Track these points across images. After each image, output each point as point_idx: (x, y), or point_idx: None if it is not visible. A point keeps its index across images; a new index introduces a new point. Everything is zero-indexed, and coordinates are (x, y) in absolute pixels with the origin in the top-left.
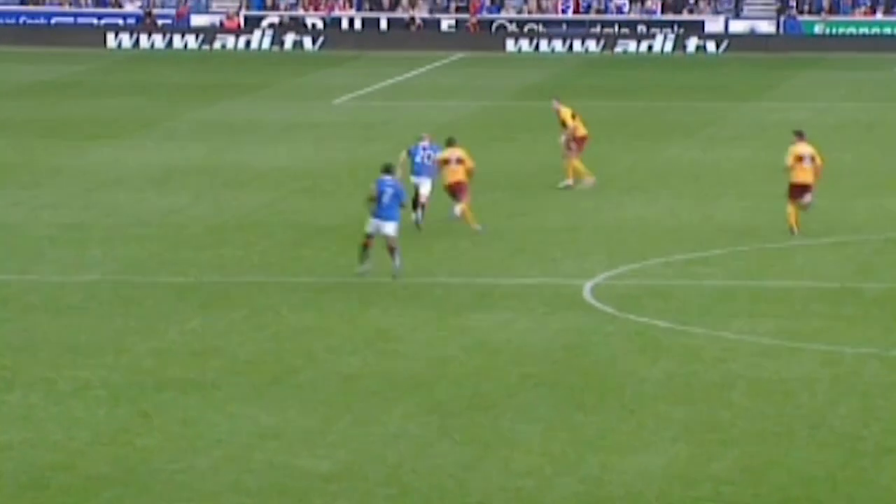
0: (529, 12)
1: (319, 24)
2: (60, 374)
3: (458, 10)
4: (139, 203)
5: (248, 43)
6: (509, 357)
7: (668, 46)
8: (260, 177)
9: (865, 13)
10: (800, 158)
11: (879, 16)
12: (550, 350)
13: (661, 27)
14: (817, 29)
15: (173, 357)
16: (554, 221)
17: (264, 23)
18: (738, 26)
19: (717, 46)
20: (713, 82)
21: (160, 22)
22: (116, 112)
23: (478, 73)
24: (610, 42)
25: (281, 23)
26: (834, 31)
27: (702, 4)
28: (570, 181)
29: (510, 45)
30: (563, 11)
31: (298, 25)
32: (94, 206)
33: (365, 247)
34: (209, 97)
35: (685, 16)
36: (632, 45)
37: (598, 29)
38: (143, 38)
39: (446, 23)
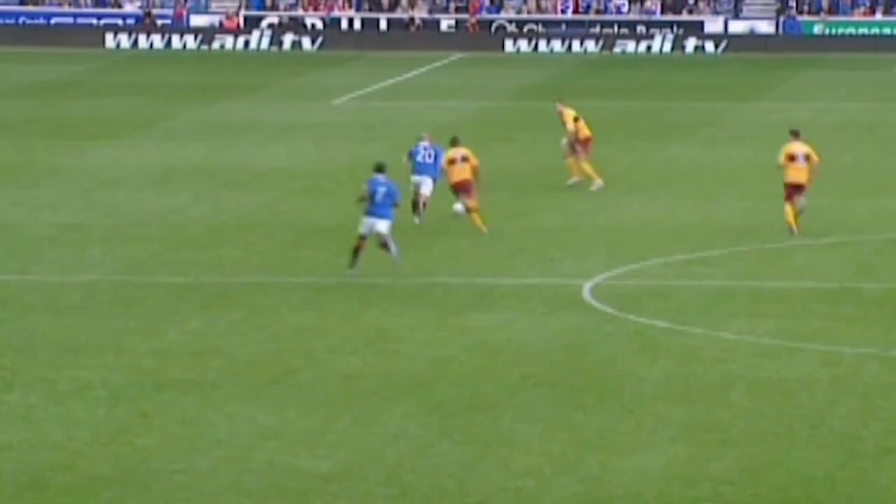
0: (529, 12)
1: (319, 25)
2: (60, 375)
3: (457, 10)
4: (138, 203)
5: (246, 43)
6: (509, 357)
7: (667, 47)
8: (259, 177)
9: (865, 13)
10: (792, 158)
11: (879, 16)
12: (550, 350)
13: (661, 27)
14: (817, 29)
15: (173, 357)
16: (553, 221)
17: (264, 23)
18: (737, 26)
19: (716, 47)
20: (713, 82)
21: (160, 22)
22: (116, 112)
23: (477, 74)
24: (609, 42)
25: (280, 23)
26: (833, 31)
27: (701, 5)
28: (576, 178)
29: (509, 45)
30: (563, 12)
31: (298, 26)
32: (94, 207)
33: (357, 249)
34: (208, 97)
35: (684, 16)
36: (630, 46)
37: (597, 29)
38: (142, 38)
39: (446, 23)
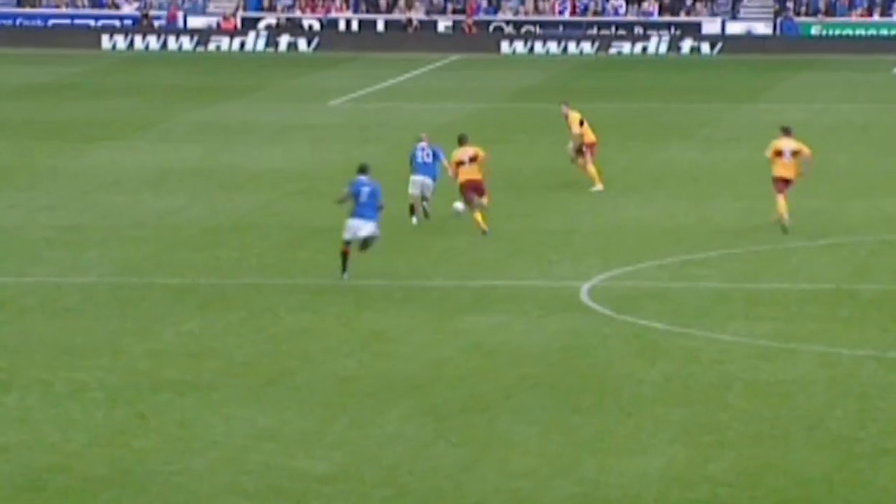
0: (526, 14)
1: (316, 26)
2: (57, 376)
3: (455, 11)
4: (135, 205)
5: (242, 44)
6: (506, 359)
7: (663, 48)
8: (255, 178)
9: (862, 15)
10: (779, 153)
11: (876, 17)
12: (547, 352)
13: (658, 29)
14: (814, 30)
15: (170, 359)
16: (551, 223)
17: (261, 24)
18: (734, 28)
19: (713, 48)
20: (709, 84)
21: (156, 24)
22: (112, 114)
23: (474, 75)
24: (605, 44)
25: (277, 24)
26: (830, 32)
27: (698, 6)
28: (600, 185)
29: (505, 46)
30: (560, 13)
31: (295, 27)
32: (91, 208)
33: (344, 254)
34: (205, 99)
35: (682, 17)
36: (626, 47)
37: (594, 31)
38: (138, 39)
39: (443, 24)
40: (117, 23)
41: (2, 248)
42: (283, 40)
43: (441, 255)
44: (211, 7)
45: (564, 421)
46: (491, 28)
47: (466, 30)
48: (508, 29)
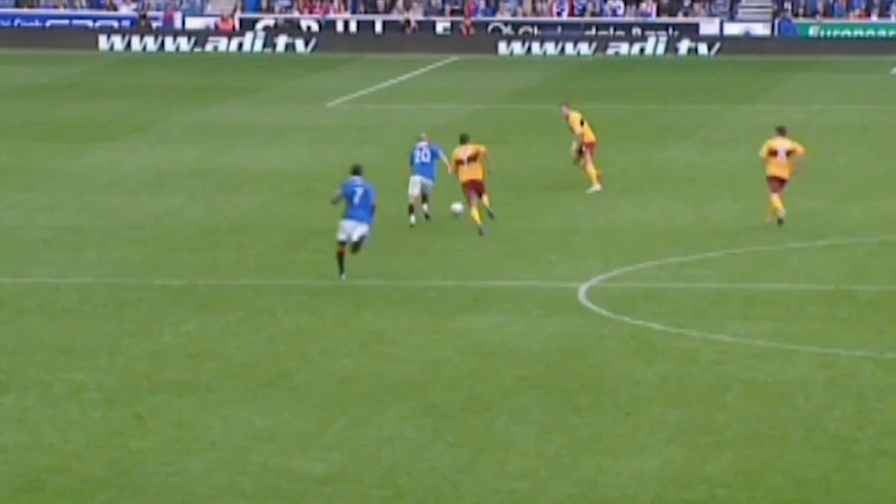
0: (524, 15)
1: (314, 27)
2: (55, 377)
3: (453, 12)
4: (133, 206)
5: (240, 45)
6: (504, 359)
7: (661, 49)
8: (253, 179)
9: (860, 16)
10: (773, 153)
11: (874, 18)
12: (545, 352)
13: (656, 30)
14: (812, 31)
15: (168, 359)
16: (549, 224)
17: (259, 25)
18: (732, 29)
19: (710, 49)
20: (707, 85)
21: (154, 25)
22: (110, 115)
23: (472, 76)
24: (602, 44)
25: (276, 25)
26: (829, 33)
27: (696, 7)
28: (598, 186)
29: (503, 47)
30: (558, 14)
31: (293, 28)
32: (89, 209)
33: (340, 255)
34: (202, 100)
35: (680, 18)
36: (624, 48)
37: (592, 31)
38: (136, 40)
39: (441, 25)
40: (115, 24)
41: (0, 248)
42: (281, 41)
43: (439, 255)
44: (209, 8)
45: (562, 421)
46: (489, 29)
47: (464, 31)
48: (506, 30)
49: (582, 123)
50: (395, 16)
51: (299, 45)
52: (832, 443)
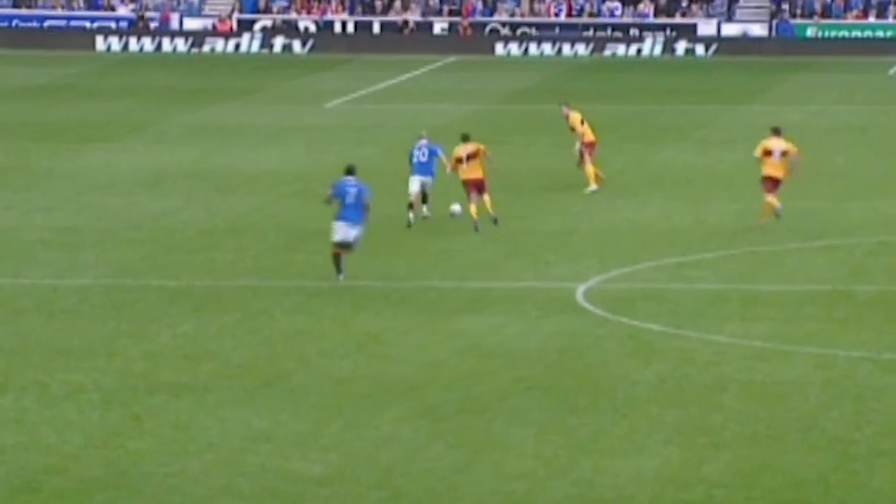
0: (522, 15)
1: (312, 28)
2: (53, 378)
3: (450, 13)
4: (131, 207)
5: (237, 46)
6: (502, 360)
7: (658, 50)
8: (251, 180)
9: (858, 16)
10: (768, 153)
11: (872, 19)
12: (543, 353)
13: (654, 30)
14: (810, 32)
15: (165, 360)
16: (547, 225)
17: (257, 26)
18: (730, 29)
19: (707, 49)
20: (705, 85)
21: (152, 25)
22: (108, 115)
23: (470, 77)
24: (599, 45)
25: (273, 26)
26: (826, 34)
27: (694, 8)
28: (594, 186)
29: (499, 48)
30: (556, 15)
31: (290, 29)
32: (86, 210)
33: (336, 257)
34: (200, 101)
35: (678, 19)
36: (621, 49)
37: (590, 32)
38: (133, 41)
39: (439, 26)
40: (113, 24)
41: None
42: (278, 42)
43: (438, 256)
44: (206, 9)
45: (560, 422)
46: (487, 30)
47: (462, 31)
48: (504, 31)
49: (582, 123)
50: (392, 17)
51: (297, 45)
52: (830, 443)
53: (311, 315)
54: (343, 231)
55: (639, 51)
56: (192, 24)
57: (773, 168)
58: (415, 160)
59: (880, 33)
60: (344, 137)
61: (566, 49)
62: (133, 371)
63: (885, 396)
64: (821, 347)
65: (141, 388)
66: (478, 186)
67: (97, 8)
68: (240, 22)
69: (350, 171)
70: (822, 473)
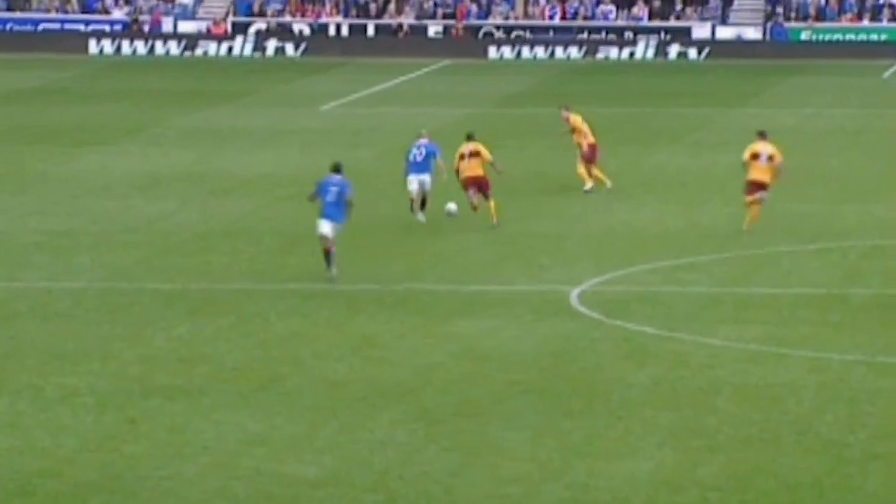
0: (516, 19)
1: (306, 31)
2: (47, 381)
3: (445, 16)
4: (126, 210)
5: (230, 49)
6: (496, 364)
7: (650, 53)
8: (246, 183)
9: (852, 20)
10: (755, 156)
11: (866, 22)
12: (538, 357)
13: (648, 34)
14: (804, 35)
15: (160, 364)
16: (541, 228)
17: (251, 29)
18: (724, 33)
19: (699, 52)
20: (699, 88)
21: (147, 29)
22: (102, 118)
23: (464, 80)
24: (592, 48)
25: (268, 29)
26: (820, 37)
27: (688, 11)
28: (608, 183)
29: (493, 52)
30: (551, 18)
31: (285, 32)
32: (81, 213)
33: (326, 251)
34: (194, 104)
35: (672, 22)
36: (613, 52)
37: (584, 35)
38: (125, 44)
39: (433, 29)
40: (107, 27)
41: None
42: (271, 45)
43: (432, 259)
44: (201, 12)
45: (554, 425)
46: (481, 33)
47: (455, 34)
48: (498, 34)
49: (583, 124)
50: (387, 20)
51: (291, 49)
52: (824, 447)
53: (305, 318)
54: (323, 227)
55: (632, 54)
56: (186, 26)
57: (760, 172)
58: (411, 158)
59: (874, 37)
60: (338, 140)
61: (559, 52)
62: (128, 374)
63: (880, 400)
64: (815, 351)
65: (136, 392)
66: (478, 184)
67: (92, 11)
68: (234, 25)
69: (336, 169)
70: (816, 477)
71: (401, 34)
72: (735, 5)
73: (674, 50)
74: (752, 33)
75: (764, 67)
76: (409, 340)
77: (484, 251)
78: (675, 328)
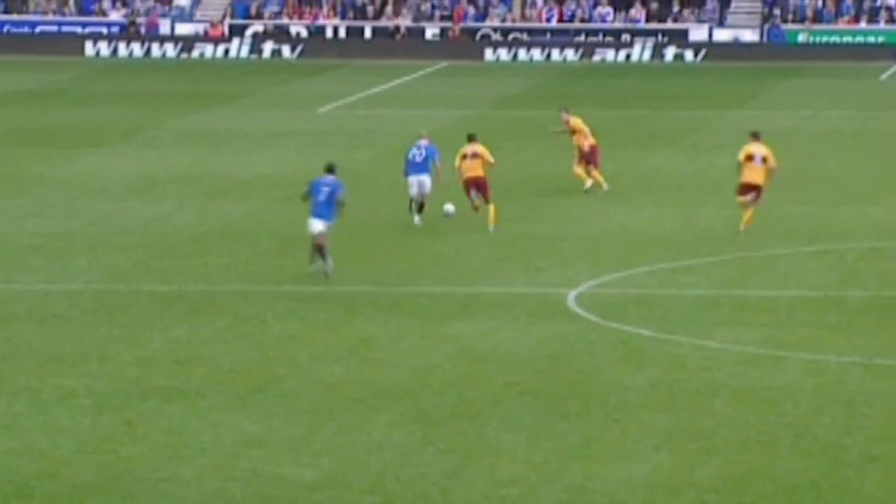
0: (514, 21)
1: (304, 33)
2: (45, 383)
3: (442, 18)
4: (123, 212)
5: (226, 51)
6: (493, 366)
7: (647, 55)
8: (244, 185)
9: (849, 22)
10: (750, 158)
11: (863, 24)
12: (535, 358)
13: (645, 36)
14: (801, 38)
15: (157, 365)
16: (538, 230)
17: (248, 31)
18: (721, 35)
19: (696, 55)
20: (696, 91)
21: (143, 31)
22: (99, 121)
23: (462, 82)
24: (588, 51)
25: (265, 31)
26: (818, 39)
27: (685, 13)
28: (604, 186)
29: (489, 54)
30: (547, 20)
31: (282, 34)
32: (78, 215)
33: (318, 248)
34: (191, 105)
35: (669, 24)
36: (610, 54)
37: (581, 38)
38: (122, 46)
39: (430, 32)
40: (104, 30)
41: None
42: (268, 47)
43: (429, 260)
44: (198, 14)
45: (551, 427)
46: (478, 35)
47: (452, 36)
48: (495, 36)
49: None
50: (384, 22)
51: (287, 51)
52: (821, 449)
53: (302, 320)
54: (314, 225)
55: (628, 56)
56: (183, 29)
57: (754, 174)
58: (411, 157)
59: (871, 39)
60: (335, 142)
61: (555, 54)
62: (125, 376)
63: (877, 402)
64: (812, 353)
65: (133, 394)
66: (477, 184)
67: (88, 14)
68: (231, 27)
69: (330, 169)
70: (813, 479)
71: (398, 36)
72: (732, 7)
73: (671, 52)
74: (749, 35)
75: (761, 69)
76: (406, 342)
77: (481, 253)
78: (672, 330)
